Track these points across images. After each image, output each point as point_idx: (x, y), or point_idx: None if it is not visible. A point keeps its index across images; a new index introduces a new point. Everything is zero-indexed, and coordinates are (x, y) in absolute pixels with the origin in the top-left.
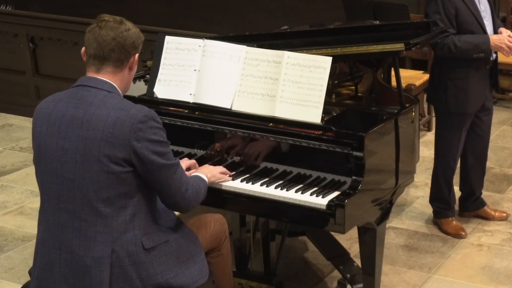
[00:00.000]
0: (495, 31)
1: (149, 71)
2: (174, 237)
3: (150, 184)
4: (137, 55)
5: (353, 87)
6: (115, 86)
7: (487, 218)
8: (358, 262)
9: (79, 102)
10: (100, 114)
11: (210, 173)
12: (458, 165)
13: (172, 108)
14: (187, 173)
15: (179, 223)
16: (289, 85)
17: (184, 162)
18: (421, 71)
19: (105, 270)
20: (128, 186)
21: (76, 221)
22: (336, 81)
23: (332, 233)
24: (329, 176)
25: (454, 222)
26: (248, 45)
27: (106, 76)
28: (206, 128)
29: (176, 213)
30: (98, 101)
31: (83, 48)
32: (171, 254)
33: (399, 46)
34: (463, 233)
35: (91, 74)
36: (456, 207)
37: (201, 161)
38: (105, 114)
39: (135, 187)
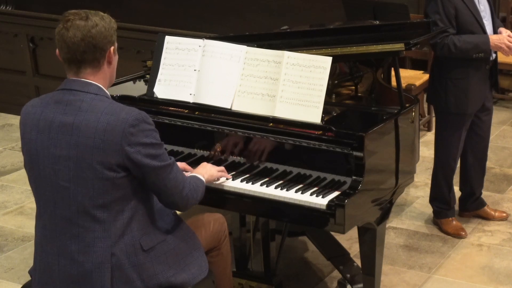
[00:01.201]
0: (495, 31)
1: (149, 71)
2: (172, 235)
3: (146, 186)
4: (112, 48)
5: (353, 87)
6: (100, 86)
7: (487, 218)
8: (358, 262)
9: (66, 108)
10: (90, 120)
11: (207, 173)
12: (458, 165)
13: (172, 108)
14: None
15: (176, 220)
16: (289, 85)
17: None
18: (421, 71)
19: (106, 274)
20: (124, 190)
21: (74, 228)
22: (336, 81)
23: (332, 233)
24: (329, 176)
25: (454, 222)
26: (248, 45)
27: (88, 77)
28: (206, 128)
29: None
30: (87, 106)
31: (57, 50)
32: (169, 253)
33: (399, 46)
34: (463, 233)
35: (72, 76)
36: (456, 207)
37: (201, 161)
38: (95, 120)
39: (131, 190)
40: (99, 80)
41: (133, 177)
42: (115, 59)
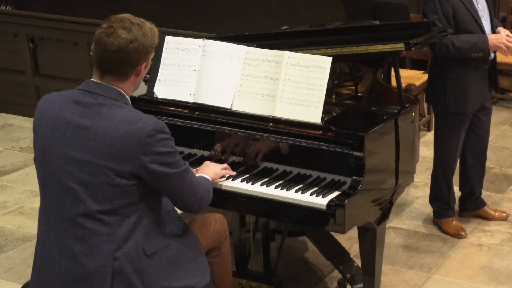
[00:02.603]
0: (493, 31)
1: (149, 71)
2: (175, 240)
3: (162, 192)
4: (143, 64)
5: (353, 87)
6: (121, 91)
7: (487, 218)
8: (358, 262)
9: (85, 111)
10: (108, 126)
11: (211, 171)
12: (458, 165)
13: (172, 108)
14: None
15: (181, 225)
16: (289, 85)
17: None
18: (421, 71)
19: (107, 278)
20: (133, 197)
21: (79, 230)
22: (336, 81)
23: (332, 233)
24: (329, 176)
25: (454, 222)
26: (248, 45)
27: (111, 83)
28: (206, 128)
29: (179, 212)
30: (105, 111)
31: (92, 46)
32: (172, 258)
33: (399, 46)
34: (463, 233)
35: (96, 78)
36: (456, 207)
37: (201, 161)
38: (113, 127)
39: (139, 197)
40: (122, 87)
41: (142, 185)
42: (145, 71)
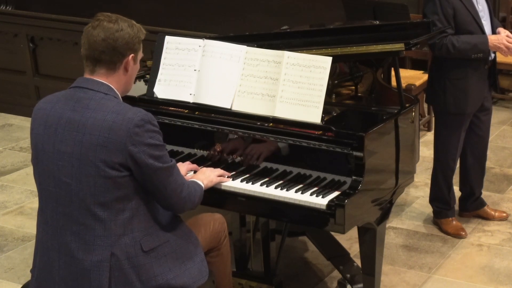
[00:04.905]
0: (493, 31)
1: (149, 71)
2: (173, 237)
3: (146, 187)
4: (131, 55)
5: (353, 87)
6: (112, 87)
7: (487, 218)
8: (358, 262)
9: (76, 105)
10: (97, 118)
11: (206, 179)
12: (458, 165)
13: (172, 108)
14: (188, 176)
15: (178, 222)
16: (289, 85)
17: (185, 166)
18: (421, 71)
19: (104, 273)
20: (126, 190)
21: (75, 225)
22: (336, 81)
23: (332, 233)
24: (329, 176)
25: (454, 222)
26: (248, 45)
27: (101, 77)
28: (206, 128)
29: None
30: (95, 104)
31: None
32: (170, 255)
33: (399, 46)
34: (463, 233)
35: (87, 75)
36: (456, 207)
37: (201, 161)
38: (101, 118)
39: (132, 190)
40: (112, 82)
41: (135, 178)
42: (135, 68)
